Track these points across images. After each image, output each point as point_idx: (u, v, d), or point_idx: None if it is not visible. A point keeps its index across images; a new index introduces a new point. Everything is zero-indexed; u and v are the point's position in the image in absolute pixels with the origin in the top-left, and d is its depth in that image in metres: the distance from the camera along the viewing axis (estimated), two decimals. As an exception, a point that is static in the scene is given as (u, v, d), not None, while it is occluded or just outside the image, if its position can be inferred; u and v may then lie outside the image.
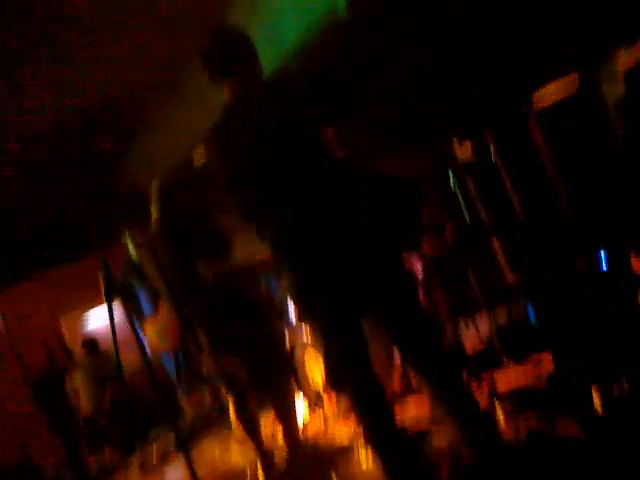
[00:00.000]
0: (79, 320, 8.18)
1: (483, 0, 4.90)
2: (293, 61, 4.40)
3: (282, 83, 2.30)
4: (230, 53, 2.21)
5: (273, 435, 3.98)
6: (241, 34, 2.30)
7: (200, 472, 2.04)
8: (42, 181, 5.49)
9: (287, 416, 3.50)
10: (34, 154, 4.91)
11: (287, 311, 4.28)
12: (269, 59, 3.95)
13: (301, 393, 4.40)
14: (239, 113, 2.23)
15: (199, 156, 5.50)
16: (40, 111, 4.29)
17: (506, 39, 5.73)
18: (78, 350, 7.02)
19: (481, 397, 3.02)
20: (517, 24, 5.47)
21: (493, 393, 3.10)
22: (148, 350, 4.06)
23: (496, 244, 6.80)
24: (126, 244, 4.72)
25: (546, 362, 3.15)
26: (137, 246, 4.51)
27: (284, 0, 3.84)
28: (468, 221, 4.09)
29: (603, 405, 2.42)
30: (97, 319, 8.10)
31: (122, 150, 5.63)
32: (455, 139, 7.00)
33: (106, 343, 6.66)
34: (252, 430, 3.48)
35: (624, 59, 6.12)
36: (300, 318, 2.41)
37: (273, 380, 3.43)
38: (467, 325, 4.51)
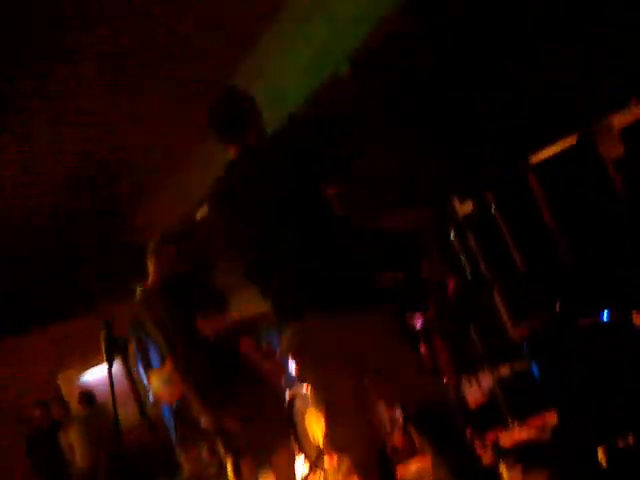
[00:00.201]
0: (76, 374, 8.10)
1: (482, 63, 5.04)
2: (295, 120, 4.51)
3: (284, 141, 2.34)
4: (234, 116, 2.30)
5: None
6: (245, 97, 2.38)
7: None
8: (46, 236, 5.53)
9: (286, 476, 3.42)
10: (39, 212, 4.97)
11: (287, 368, 4.24)
12: (273, 118, 4.05)
13: (301, 453, 4.32)
14: (241, 169, 2.27)
15: (201, 212, 5.59)
16: (49, 167, 4.36)
17: (505, 100, 5.88)
18: (75, 404, 6.93)
19: (485, 454, 2.97)
20: (516, 87, 5.63)
21: (497, 449, 3.04)
22: (152, 401, 4.02)
23: (498, 299, 6.78)
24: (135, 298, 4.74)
25: (550, 418, 3.10)
26: (137, 301, 4.54)
27: (289, 63, 3.97)
28: (469, 276, 4.09)
29: (608, 459, 2.37)
30: (94, 373, 8.03)
31: (129, 207, 5.70)
32: (455, 195, 7.09)
33: (103, 396, 6.59)
34: None
35: (621, 117, 6.25)
36: (300, 377, 2.38)
37: (272, 439, 3.37)
38: (469, 381, 4.45)
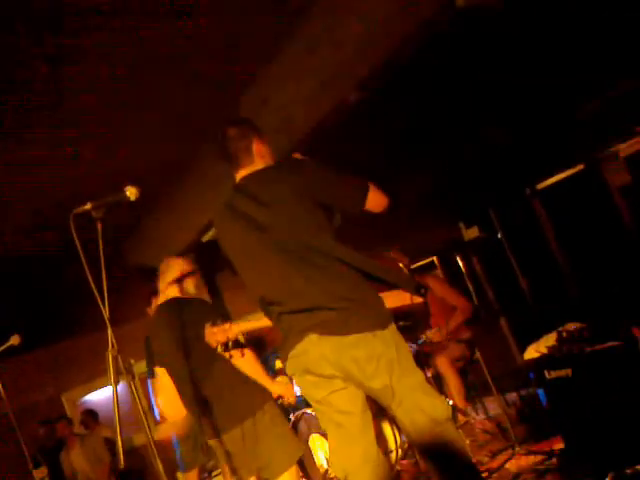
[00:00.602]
0: (80, 394, 8.08)
1: (490, 87, 5.08)
2: (301, 148, 4.55)
3: (290, 167, 2.35)
4: (240, 145, 2.34)
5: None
6: (250, 126, 2.42)
7: None
8: (51, 256, 5.55)
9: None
10: (43, 230, 4.97)
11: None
12: (279, 146, 4.10)
13: (305, 478, 4.27)
14: (246, 194, 2.29)
15: (208, 235, 5.61)
16: (53, 185, 4.38)
17: (513, 127, 5.93)
18: (77, 424, 6.89)
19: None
20: (524, 113, 5.68)
21: (504, 476, 3.03)
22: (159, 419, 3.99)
23: (504, 324, 6.77)
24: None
25: (556, 444, 3.08)
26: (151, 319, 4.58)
27: (294, 92, 4.01)
28: (476, 301, 4.09)
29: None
30: (98, 392, 8.00)
31: (132, 226, 5.72)
32: (461, 220, 7.12)
33: (107, 416, 6.57)
34: None
35: (626, 146, 6.29)
36: (305, 397, 2.37)
37: (276, 460, 3.34)
38: (476, 408, 4.43)
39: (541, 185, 7.04)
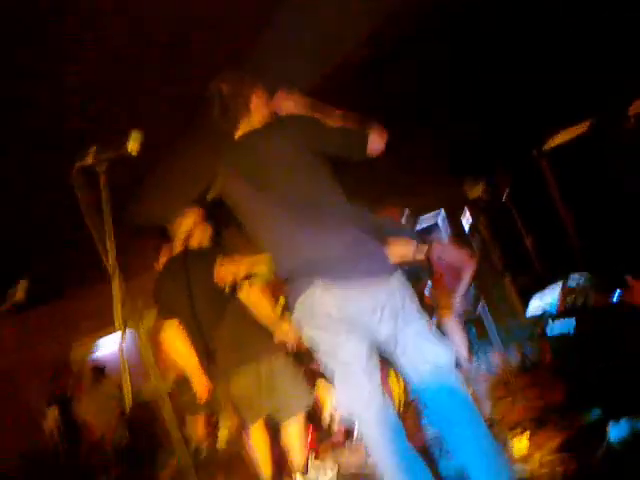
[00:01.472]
0: (88, 348, 8.20)
1: (501, 47, 5.01)
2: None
3: (289, 122, 2.31)
4: (237, 101, 2.31)
5: (283, 461, 3.92)
6: (247, 81, 2.37)
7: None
8: (60, 214, 5.56)
9: (294, 444, 3.47)
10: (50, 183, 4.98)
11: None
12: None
13: (311, 424, 4.36)
14: (246, 151, 2.28)
15: (212, 193, 5.62)
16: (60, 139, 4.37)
17: (520, 86, 5.85)
18: (87, 377, 7.02)
19: (492, 427, 3.01)
20: (531, 73, 5.61)
21: (505, 424, 3.09)
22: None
23: (509, 281, 6.80)
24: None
25: (558, 396, 3.13)
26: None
27: (298, 44, 3.95)
28: (481, 260, 4.11)
29: (617, 439, 2.40)
30: (106, 346, 8.13)
31: (137, 184, 5.72)
32: (468, 180, 7.08)
33: (115, 369, 6.68)
34: (262, 458, 3.46)
35: (636, 105, 6.20)
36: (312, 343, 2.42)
37: (285, 407, 3.42)
38: (479, 360, 4.49)
39: (548, 146, 6.99)
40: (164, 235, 4.27)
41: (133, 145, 2.14)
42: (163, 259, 4.82)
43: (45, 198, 5.11)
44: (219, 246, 3.54)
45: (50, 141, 4.16)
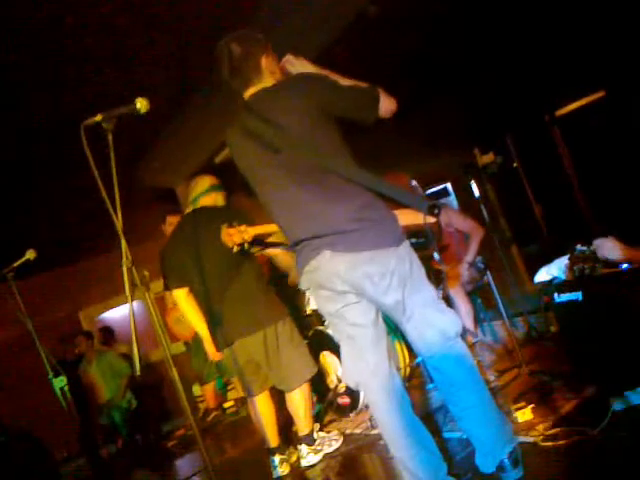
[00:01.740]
0: (97, 311, 8.31)
1: (515, 14, 4.89)
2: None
3: (300, 82, 2.27)
4: (247, 63, 2.26)
5: (287, 428, 3.98)
6: (258, 42, 2.31)
7: (213, 459, 2.05)
8: (67, 174, 5.55)
9: (299, 413, 3.50)
10: (51, 152, 4.96)
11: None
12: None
13: (315, 393, 4.40)
14: (256, 113, 2.24)
15: (221, 156, 5.58)
16: (73, 106, 4.34)
17: (534, 51, 5.73)
18: (95, 340, 7.11)
19: (497, 398, 3.03)
20: (545, 37, 5.48)
21: (509, 394, 3.10)
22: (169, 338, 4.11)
23: (516, 251, 6.78)
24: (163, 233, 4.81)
25: (563, 367, 3.13)
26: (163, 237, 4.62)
27: (310, 6, 3.86)
28: (489, 228, 4.08)
29: (620, 411, 2.40)
30: (115, 310, 8.23)
31: (145, 148, 5.69)
32: (477, 146, 6.99)
33: (122, 334, 6.76)
34: (267, 425, 3.50)
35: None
36: (320, 309, 2.42)
37: (291, 375, 3.44)
38: (484, 330, 4.50)
39: (560, 112, 6.87)
40: (170, 202, 4.27)
41: (142, 104, 2.16)
42: (171, 227, 4.83)
43: (61, 166, 5.10)
44: (230, 209, 3.53)
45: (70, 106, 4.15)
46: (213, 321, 3.37)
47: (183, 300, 3.44)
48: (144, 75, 4.20)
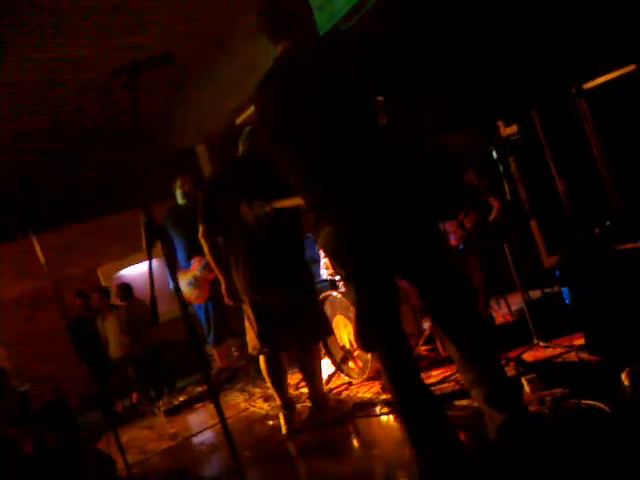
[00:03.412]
0: (115, 268, 8.42)
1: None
2: (343, 25, 4.39)
3: (334, 43, 2.27)
4: (285, 13, 2.24)
5: (298, 391, 4.03)
6: None
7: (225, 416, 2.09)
8: (87, 134, 5.58)
9: (313, 374, 3.55)
10: (81, 105, 4.98)
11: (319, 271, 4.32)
12: (320, 23, 3.94)
13: (328, 356, 4.45)
14: (288, 66, 2.22)
15: (243, 116, 5.55)
16: (92, 62, 4.34)
17: (562, 22, 5.58)
18: (112, 296, 7.22)
19: (507, 367, 3.04)
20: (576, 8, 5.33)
21: (519, 363, 3.10)
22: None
23: (535, 225, 6.69)
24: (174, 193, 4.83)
25: (577, 340, 3.13)
26: (185, 194, 4.64)
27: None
28: (509, 200, 4.03)
29: (633, 385, 2.40)
30: (132, 267, 8.33)
31: (165, 108, 5.68)
32: (501, 118, 6.88)
33: (139, 292, 6.84)
34: (279, 383, 3.55)
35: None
36: (335, 272, 2.44)
37: (305, 337, 3.48)
38: (498, 302, 4.49)
39: (588, 85, 6.71)
40: (188, 162, 4.26)
41: (170, 56, 2.13)
42: (180, 187, 4.85)
43: (80, 125, 5.13)
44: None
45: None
46: (243, 268, 3.42)
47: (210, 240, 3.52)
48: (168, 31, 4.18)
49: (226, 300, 3.60)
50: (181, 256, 5.14)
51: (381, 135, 2.16)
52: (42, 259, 4.18)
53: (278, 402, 3.58)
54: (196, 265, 4.93)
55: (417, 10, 4.79)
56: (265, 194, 3.11)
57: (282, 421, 3.52)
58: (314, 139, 2.18)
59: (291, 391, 3.77)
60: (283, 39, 2.26)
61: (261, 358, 3.55)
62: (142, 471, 3.91)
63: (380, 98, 2.75)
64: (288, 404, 3.56)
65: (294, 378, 4.44)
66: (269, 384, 3.59)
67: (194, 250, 4.13)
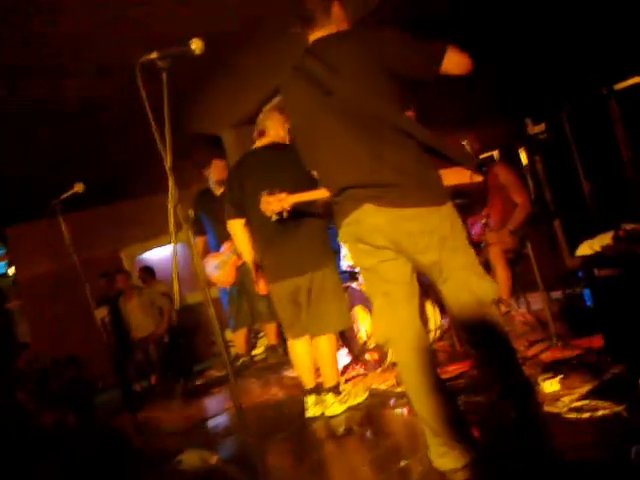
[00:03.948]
0: (138, 251, 8.52)
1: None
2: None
3: (363, 31, 2.28)
4: (320, 4, 2.27)
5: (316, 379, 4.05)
6: None
7: (241, 401, 2.12)
8: (114, 118, 5.62)
9: (327, 361, 3.57)
10: (105, 90, 5.02)
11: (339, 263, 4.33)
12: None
13: (345, 347, 4.47)
14: (316, 55, 2.23)
15: (270, 104, 5.56)
16: (116, 47, 4.37)
17: (597, 24, 5.51)
18: (135, 279, 7.32)
19: (524, 365, 3.03)
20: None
21: (537, 362, 3.10)
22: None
23: (558, 225, 6.64)
24: (207, 179, 4.87)
25: (596, 342, 3.11)
26: (217, 180, 4.68)
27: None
28: (534, 198, 4.00)
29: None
30: (154, 252, 8.42)
31: (192, 94, 5.71)
32: (529, 117, 6.82)
33: (161, 275, 6.93)
34: (305, 365, 3.61)
35: None
36: (355, 263, 2.44)
37: (323, 324, 3.51)
38: (519, 301, 4.47)
39: (619, 86, 6.61)
40: (214, 149, 4.28)
41: (197, 44, 2.17)
42: (215, 170, 4.89)
43: (108, 108, 5.17)
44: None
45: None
46: (267, 256, 3.46)
47: (239, 231, 3.59)
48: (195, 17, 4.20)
49: (256, 288, 3.67)
50: (212, 240, 5.20)
51: (410, 129, 2.14)
52: (68, 239, 4.27)
53: (306, 387, 3.62)
54: (227, 249, 4.98)
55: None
56: (287, 185, 3.12)
57: (309, 403, 3.59)
58: (339, 132, 2.19)
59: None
60: (314, 30, 2.28)
61: (289, 343, 3.61)
62: (156, 451, 3.98)
63: (410, 113, 2.76)
64: (314, 387, 3.61)
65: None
66: (296, 368, 3.65)
67: (225, 234, 4.18)
